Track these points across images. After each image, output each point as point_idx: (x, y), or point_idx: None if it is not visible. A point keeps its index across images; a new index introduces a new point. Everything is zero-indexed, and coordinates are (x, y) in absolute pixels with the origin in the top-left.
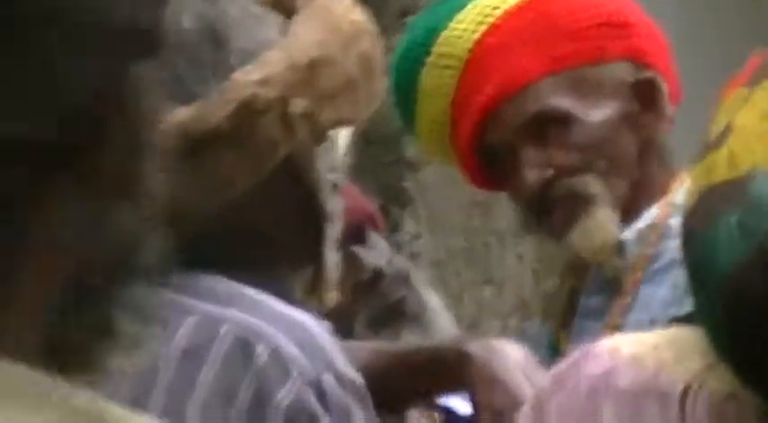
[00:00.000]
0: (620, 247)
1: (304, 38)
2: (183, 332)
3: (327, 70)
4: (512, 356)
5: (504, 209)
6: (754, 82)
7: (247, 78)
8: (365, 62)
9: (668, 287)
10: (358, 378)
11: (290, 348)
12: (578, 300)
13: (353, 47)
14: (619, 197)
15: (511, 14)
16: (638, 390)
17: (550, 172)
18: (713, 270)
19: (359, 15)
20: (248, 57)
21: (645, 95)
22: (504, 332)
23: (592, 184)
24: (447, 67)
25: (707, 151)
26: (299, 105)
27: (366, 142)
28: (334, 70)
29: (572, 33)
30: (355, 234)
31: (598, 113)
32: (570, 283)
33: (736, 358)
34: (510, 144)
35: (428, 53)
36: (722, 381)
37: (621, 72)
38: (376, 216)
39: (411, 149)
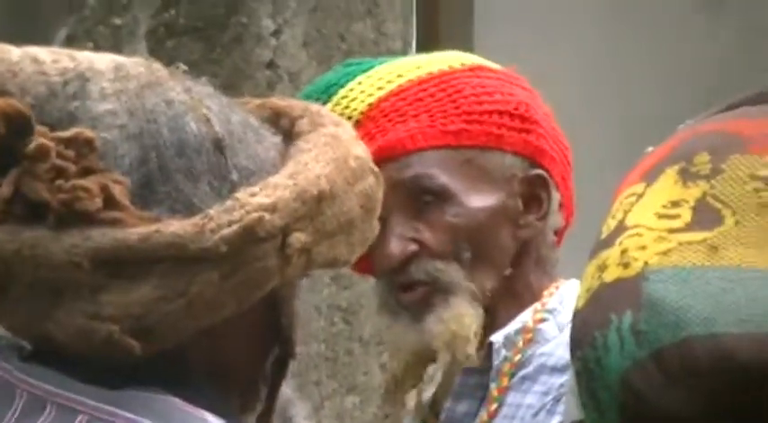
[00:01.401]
0: (486, 351)
1: (313, 168)
2: None
3: (331, 206)
4: None
5: (366, 316)
6: (649, 178)
7: (254, 201)
8: (366, 202)
9: (536, 394)
10: None
11: None
12: (441, 406)
13: (358, 185)
14: (484, 291)
15: (412, 84)
16: None
17: (414, 247)
18: (606, 376)
19: (363, 150)
20: (249, 175)
21: (531, 194)
22: None
23: (453, 274)
24: None
25: (599, 249)
26: (300, 239)
27: None
28: (337, 207)
29: (470, 113)
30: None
31: (478, 199)
32: (415, 381)
33: None
34: (382, 210)
35: None
36: None
37: (512, 165)
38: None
39: None
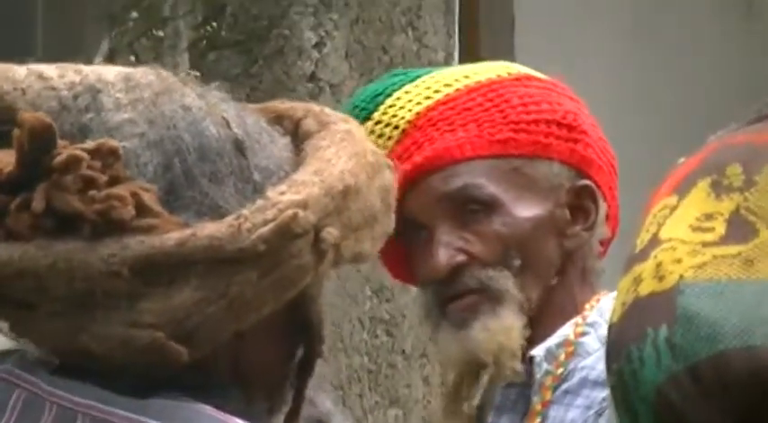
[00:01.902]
0: (528, 364)
1: (336, 164)
2: None
3: (356, 201)
4: None
5: (409, 328)
6: (681, 190)
7: (286, 198)
8: (386, 196)
9: (579, 408)
10: None
11: None
12: (484, 418)
13: (377, 179)
14: (530, 300)
15: (460, 93)
16: None
17: (462, 258)
18: (642, 389)
19: (373, 145)
20: (270, 175)
21: (578, 204)
22: None
23: (505, 282)
24: (382, 134)
25: (633, 262)
26: (332, 234)
27: None
28: (361, 202)
29: (518, 123)
30: None
31: (525, 209)
32: (471, 390)
33: None
34: (428, 220)
35: (368, 118)
36: None
37: (559, 174)
38: None
39: None
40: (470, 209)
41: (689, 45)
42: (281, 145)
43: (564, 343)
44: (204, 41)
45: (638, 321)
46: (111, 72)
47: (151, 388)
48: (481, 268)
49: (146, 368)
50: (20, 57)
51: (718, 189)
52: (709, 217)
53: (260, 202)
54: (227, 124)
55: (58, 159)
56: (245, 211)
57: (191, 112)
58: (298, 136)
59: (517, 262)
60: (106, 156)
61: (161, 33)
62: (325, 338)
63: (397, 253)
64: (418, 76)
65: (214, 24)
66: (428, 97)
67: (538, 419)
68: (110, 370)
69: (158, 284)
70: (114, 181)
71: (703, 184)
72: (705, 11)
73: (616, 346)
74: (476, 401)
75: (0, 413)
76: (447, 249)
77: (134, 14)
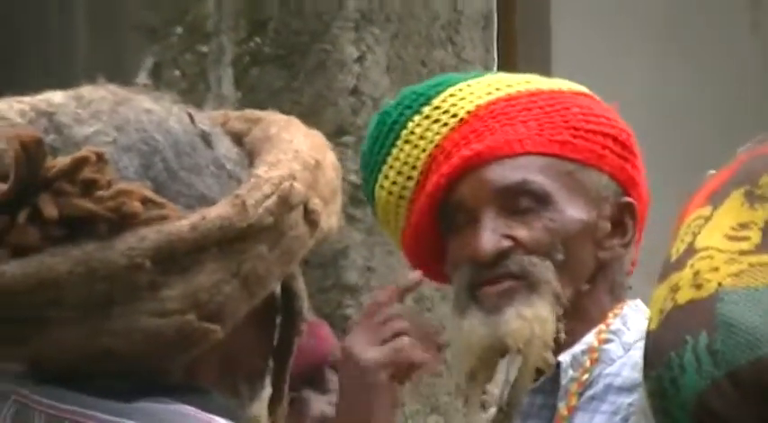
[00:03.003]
0: (553, 371)
1: (297, 143)
2: None
3: (324, 175)
4: None
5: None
6: (715, 201)
7: (276, 173)
8: (338, 173)
9: (605, 415)
10: None
11: None
12: (512, 419)
13: (329, 156)
14: (560, 299)
15: (521, 94)
16: None
17: (508, 243)
18: (682, 396)
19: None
20: (237, 163)
21: (619, 220)
22: None
23: (546, 272)
24: (438, 120)
25: (670, 271)
26: (318, 205)
27: (305, 266)
28: (327, 176)
29: (577, 129)
30: (311, 376)
31: (574, 211)
32: (489, 375)
33: None
34: (477, 206)
35: (427, 103)
36: None
37: (607, 187)
38: (327, 357)
39: (349, 274)
40: (520, 201)
41: (722, 48)
42: (228, 139)
43: (588, 350)
44: (247, 56)
45: (676, 329)
46: (57, 96)
47: (135, 392)
48: (525, 254)
49: (124, 373)
50: (63, 71)
51: (752, 199)
52: (744, 226)
53: (252, 180)
54: (192, 120)
55: (59, 167)
56: (239, 191)
57: (154, 114)
58: (231, 132)
59: (560, 256)
60: (95, 162)
61: (205, 48)
62: (305, 318)
63: (430, 235)
64: (480, 76)
65: (257, 40)
66: (489, 93)
67: None
68: (92, 376)
69: (176, 272)
70: (110, 183)
71: (737, 195)
72: (736, 12)
73: (655, 353)
74: (496, 390)
75: None
76: (494, 234)
77: (178, 29)
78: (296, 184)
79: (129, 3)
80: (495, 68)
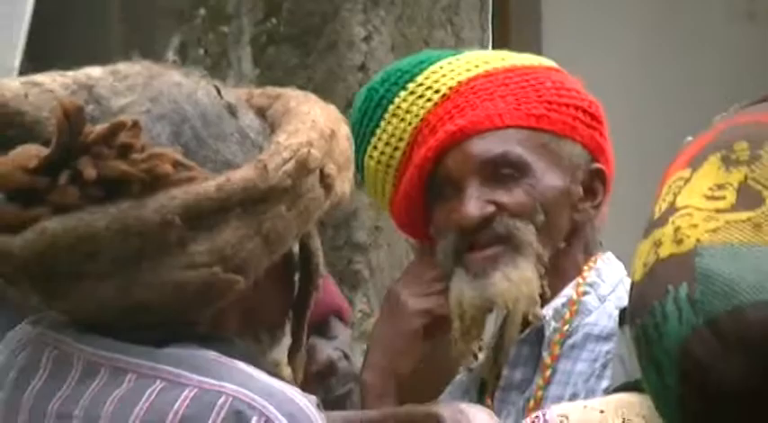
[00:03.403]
0: (538, 322)
1: (316, 114)
2: (180, 404)
3: (338, 144)
4: (479, 420)
5: None
6: (694, 164)
7: (295, 141)
8: (351, 142)
9: (586, 362)
10: None
11: (281, 420)
12: (499, 372)
13: (342, 128)
14: (541, 258)
15: (497, 71)
16: None
17: (492, 208)
18: (665, 341)
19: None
20: (259, 132)
21: (590, 185)
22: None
23: (528, 234)
24: (422, 96)
25: (653, 228)
26: (333, 169)
27: (320, 227)
28: (341, 145)
29: (550, 102)
30: (318, 325)
31: (551, 178)
32: (479, 331)
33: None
34: (461, 177)
35: (412, 80)
36: None
37: (579, 155)
38: (344, 308)
39: (359, 234)
40: (501, 172)
41: (705, 43)
42: (252, 112)
43: (568, 302)
44: (264, 36)
45: (659, 280)
46: (96, 70)
47: (165, 340)
48: (510, 218)
49: (161, 323)
50: (101, 52)
51: (728, 162)
52: (720, 187)
53: (272, 147)
54: (219, 92)
55: (97, 133)
56: (262, 156)
57: (183, 87)
58: (255, 106)
59: (541, 217)
60: (130, 128)
61: (226, 29)
62: (321, 273)
63: (418, 203)
64: (459, 54)
65: (274, 21)
66: (469, 70)
67: (548, 372)
68: (128, 326)
69: (203, 228)
70: (143, 147)
71: (714, 159)
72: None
73: (639, 302)
74: (484, 339)
75: (34, 370)
76: (478, 201)
77: (201, 11)
78: (313, 151)
79: None
80: (490, 46)
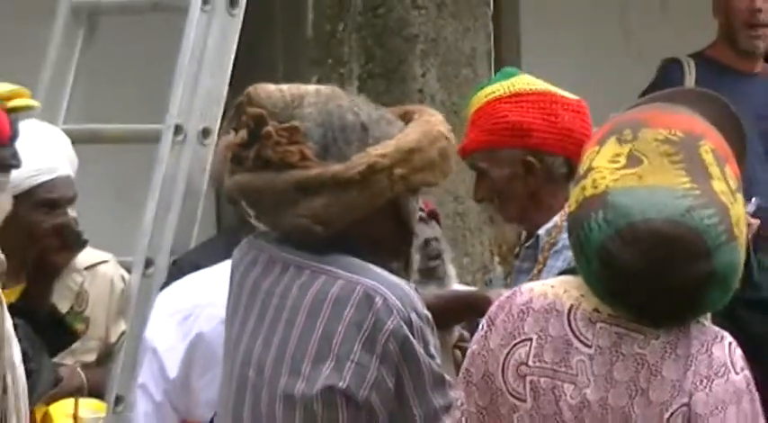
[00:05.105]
0: (536, 238)
1: (410, 135)
2: (335, 290)
3: (419, 155)
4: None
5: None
6: (601, 143)
7: (373, 152)
8: (443, 153)
9: (562, 261)
10: (428, 314)
11: (393, 300)
12: (514, 265)
13: (437, 144)
14: (511, 218)
15: (482, 104)
16: (545, 310)
17: (480, 195)
18: (590, 245)
19: (444, 127)
20: (379, 141)
21: (528, 167)
22: (476, 283)
23: (493, 211)
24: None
25: (579, 179)
26: (398, 172)
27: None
28: (424, 155)
29: (489, 128)
30: (422, 217)
31: (498, 173)
32: (503, 252)
33: (601, 291)
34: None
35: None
36: (590, 302)
37: (515, 153)
38: (436, 210)
39: None
40: (477, 173)
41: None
42: (396, 127)
43: (554, 226)
44: (365, 74)
45: (586, 209)
46: (311, 88)
47: (323, 251)
48: (487, 202)
49: (318, 239)
50: (264, 65)
51: (620, 141)
52: (617, 155)
53: (362, 154)
54: (358, 114)
55: (263, 132)
56: (353, 158)
57: (341, 108)
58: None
59: (497, 200)
60: (291, 130)
61: (342, 70)
62: (413, 230)
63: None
64: (498, 80)
65: (370, 65)
66: (480, 100)
67: (541, 266)
68: (302, 240)
69: (307, 196)
70: (293, 142)
71: (612, 139)
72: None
73: (574, 222)
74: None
75: (253, 265)
76: (480, 189)
77: (329, 61)
78: (381, 160)
79: None
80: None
